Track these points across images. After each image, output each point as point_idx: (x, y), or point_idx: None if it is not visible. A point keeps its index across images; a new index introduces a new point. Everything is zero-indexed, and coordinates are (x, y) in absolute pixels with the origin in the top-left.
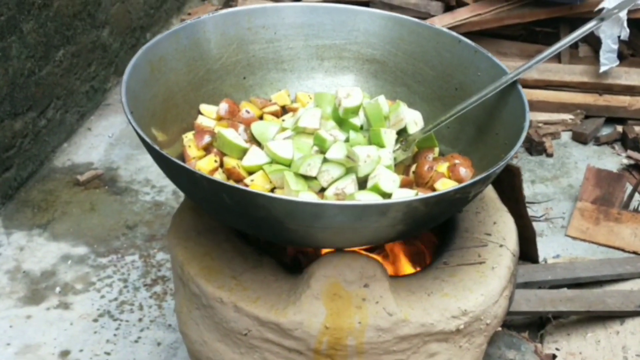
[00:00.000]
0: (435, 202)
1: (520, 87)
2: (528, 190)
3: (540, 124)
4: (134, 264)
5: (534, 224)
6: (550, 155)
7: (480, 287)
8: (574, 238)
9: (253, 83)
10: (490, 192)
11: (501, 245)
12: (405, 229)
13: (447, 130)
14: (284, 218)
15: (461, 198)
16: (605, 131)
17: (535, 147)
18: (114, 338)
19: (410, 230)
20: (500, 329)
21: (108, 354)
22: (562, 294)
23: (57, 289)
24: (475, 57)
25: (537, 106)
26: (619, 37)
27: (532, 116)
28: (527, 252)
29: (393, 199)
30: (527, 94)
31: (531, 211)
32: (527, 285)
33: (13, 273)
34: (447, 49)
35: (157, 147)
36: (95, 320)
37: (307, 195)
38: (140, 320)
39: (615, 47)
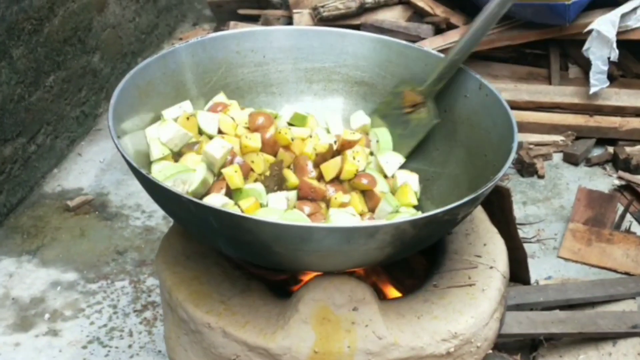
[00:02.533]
0: (423, 224)
1: (508, 108)
2: (520, 212)
3: (531, 146)
4: (123, 289)
5: (526, 245)
6: (541, 177)
7: (470, 310)
8: (566, 259)
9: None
10: (480, 213)
11: (491, 267)
12: (394, 251)
13: (436, 152)
14: (271, 242)
15: (449, 220)
16: (597, 152)
17: (526, 169)
18: None
19: (399, 252)
20: (491, 351)
21: None
22: (554, 315)
23: (46, 316)
24: (463, 78)
25: (528, 127)
26: (608, 58)
27: (523, 137)
28: (518, 273)
29: (380, 222)
30: (518, 116)
31: (522, 232)
32: (518, 307)
33: (2, 300)
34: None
35: (143, 171)
36: (85, 347)
37: (296, 214)
38: (130, 346)
39: (605, 68)
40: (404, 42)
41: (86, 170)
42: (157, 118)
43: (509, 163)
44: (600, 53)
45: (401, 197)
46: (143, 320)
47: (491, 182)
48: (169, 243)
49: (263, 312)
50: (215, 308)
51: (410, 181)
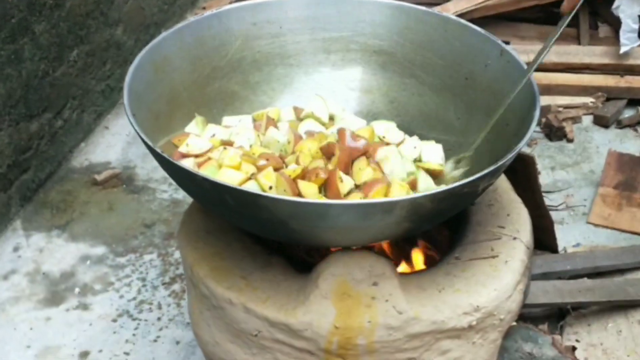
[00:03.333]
0: (442, 197)
1: (532, 75)
2: (548, 178)
3: (560, 108)
4: (152, 262)
5: (554, 212)
6: (570, 141)
7: (493, 282)
8: (596, 225)
9: (260, 79)
10: (503, 182)
11: (515, 238)
12: (413, 225)
13: (457, 122)
14: (287, 219)
15: (470, 192)
16: (628, 113)
17: (555, 133)
18: (133, 338)
19: (418, 226)
20: (516, 322)
21: (127, 354)
22: (582, 284)
23: (76, 290)
24: (484, 44)
25: (556, 90)
26: (639, 16)
27: (552, 100)
28: (545, 241)
29: (397, 197)
30: (546, 78)
31: (550, 200)
32: (545, 275)
33: (32, 275)
34: (456, 37)
35: (158, 150)
36: (114, 321)
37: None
38: (159, 319)
39: (636, 26)
40: (422, 7)
41: (113, 143)
42: (174, 94)
43: (530, 133)
44: (630, 11)
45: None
46: (171, 293)
47: (512, 153)
48: (190, 218)
49: (284, 287)
50: (236, 284)
51: (435, 151)
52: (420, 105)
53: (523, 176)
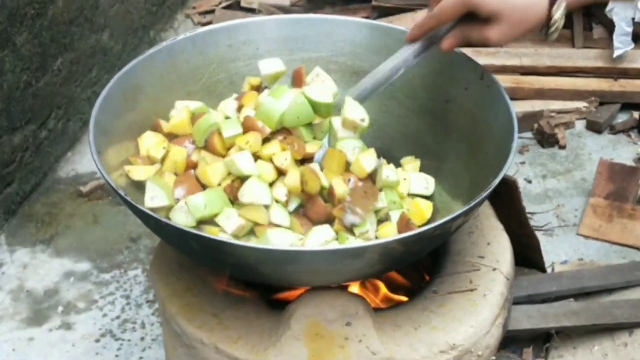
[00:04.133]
0: (413, 241)
1: (510, 103)
2: (539, 186)
3: (553, 114)
4: (136, 279)
5: (544, 227)
6: (562, 147)
7: (470, 318)
8: (586, 237)
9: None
10: (485, 208)
11: (494, 269)
12: (385, 267)
13: (436, 146)
14: (255, 264)
15: (442, 233)
16: (621, 118)
17: (546, 139)
18: (116, 359)
19: (391, 267)
20: (497, 353)
21: None
22: (567, 307)
23: (60, 308)
24: (464, 67)
25: (549, 94)
26: (633, 19)
27: (544, 105)
28: (533, 260)
29: (367, 242)
30: (539, 82)
31: (533, 221)
32: (530, 297)
33: (16, 293)
34: (436, 59)
35: (121, 192)
36: (97, 341)
37: (280, 234)
38: (142, 339)
39: (630, 29)
40: (401, 28)
41: None
42: (147, 122)
43: (506, 168)
44: (624, 14)
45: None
46: (155, 311)
47: (484, 194)
48: (163, 251)
49: (256, 326)
50: (207, 322)
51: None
52: (400, 127)
53: (507, 198)
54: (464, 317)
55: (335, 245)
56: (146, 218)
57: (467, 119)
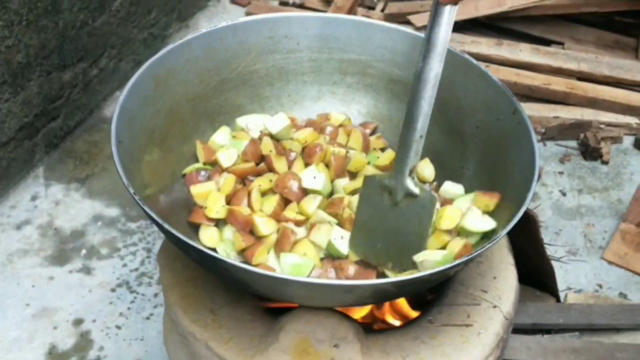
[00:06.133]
0: (407, 283)
1: (536, 148)
2: (573, 201)
3: (602, 125)
4: (159, 234)
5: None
6: (605, 163)
7: (460, 355)
8: (610, 262)
9: (270, 94)
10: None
11: (495, 307)
12: (377, 301)
13: (460, 170)
14: (249, 282)
15: (437, 279)
16: None
17: (590, 153)
18: (127, 312)
19: (383, 301)
20: None
21: (119, 327)
22: (569, 343)
23: (83, 252)
24: (499, 97)
25: (602, 105)
26: None
27: (595, 115)
28: (547, 285)
29: (358, 282)
30: (593, 90)
31: (550, 251)
32: (535, 325)
33: (45, 229)
34: (474, 83)
35: (131, 191)
36: (113, 290)
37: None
38: (155, 295)
39: None
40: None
41: None
42: (175, 107)
43: (514, 221)
44: None
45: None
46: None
47: (488, 245)
48: None
49: (249, 329)
50: (203, 317)
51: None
52: (428, 144)
53: (526, 229)
54: (454, 354)
55: (325, 280)
56: (151, 219)
57: (494, 149)
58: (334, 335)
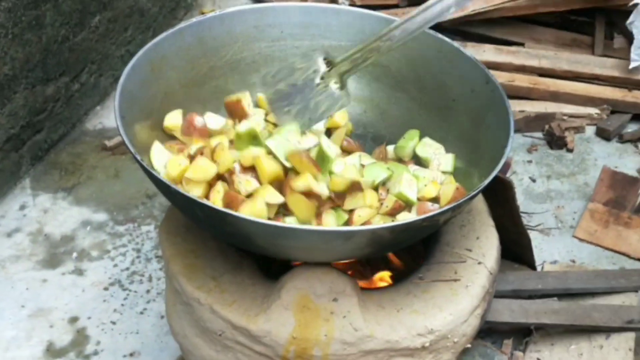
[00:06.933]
0: (401, 230)
1: (509, 107)
2: (542, 186)
3: (565, 117)
4: (148, 234)
5: (540, 226)
6: (570, 151)
7: (450, 306)
8: (581, 240)
9: (257, 80)
10: (479, 203)
11: (479, 263)
12: (373, 251)
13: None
14: (251, 235)
15: (429, 226)
16: (631, 128)
17: (555, 141)
18: (121, 308)
19: (379, 251)
20: (473, 342)
21: (114, 323)
22: (548, 305)
23: (74, 255)
24: (472, 70)
25: (563, 98)
26: None
27: (557, 108)
28: (524, 257)
29: (356, 227)
30: (555, 85)
31: (532, 219)
32: (515, 292)
33: (35, 235)
34: (448, 59)
35: (138, 157)
36: (106, 289)
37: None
38: (148, 291)
39: None
40: None
41: None
42: (170, 91)
43: (496, 171)
44: None
45: None
46: (163, 267)
47: (472, 194)
48: (173, 213)
49: (250, 292)
50: (206, 284)
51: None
52: (408, 120)
53: (502, 197)
54: (445, 305)
55: (326, 227)
56: (157, 182)
57: (470, 119)
58: (332, 290)
